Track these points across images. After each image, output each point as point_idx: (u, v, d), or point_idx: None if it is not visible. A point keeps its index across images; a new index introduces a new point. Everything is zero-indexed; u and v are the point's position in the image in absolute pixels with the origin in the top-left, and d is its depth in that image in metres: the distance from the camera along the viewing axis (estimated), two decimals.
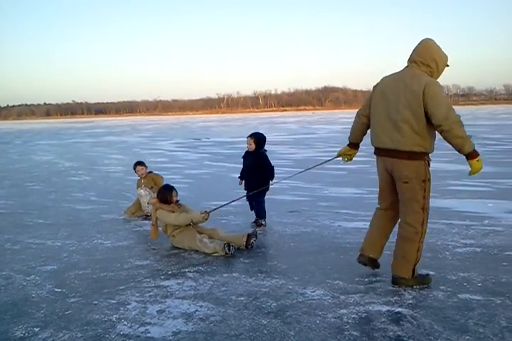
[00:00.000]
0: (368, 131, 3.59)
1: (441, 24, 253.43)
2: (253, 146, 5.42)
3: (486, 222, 5.29)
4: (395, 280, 3.43)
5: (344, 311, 3.02)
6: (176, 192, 4.85)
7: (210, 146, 19.60)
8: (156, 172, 6.58)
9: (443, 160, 11.69)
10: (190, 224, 4.60)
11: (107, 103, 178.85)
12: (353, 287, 3.43)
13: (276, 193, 7.52)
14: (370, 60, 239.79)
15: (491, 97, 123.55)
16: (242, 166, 5.61)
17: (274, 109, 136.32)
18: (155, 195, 6.01)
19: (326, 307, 3.09)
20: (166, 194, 4.79)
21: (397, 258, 3.43)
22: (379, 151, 3.42)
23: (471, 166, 3.25)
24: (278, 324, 2.86)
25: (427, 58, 3.25)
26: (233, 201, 4.99)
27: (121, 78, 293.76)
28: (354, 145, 3.82)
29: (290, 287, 3.47)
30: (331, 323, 2.85)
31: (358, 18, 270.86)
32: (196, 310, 3.10)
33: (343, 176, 9.70)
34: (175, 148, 19.71)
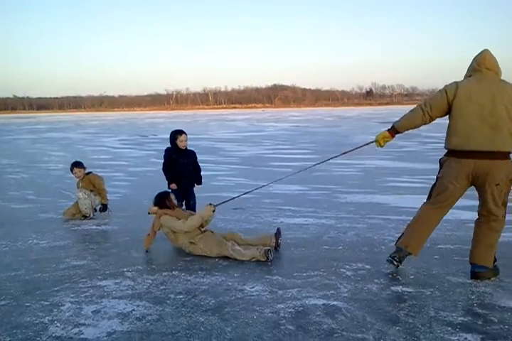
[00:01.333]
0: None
1: (383, 24, 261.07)
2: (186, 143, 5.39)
3: None
4: (477, 273, 3.50)
5: (281, 306, 3.06)
6: (174, 196, 4.61)
7: (157, 143, 19.29)
8: (96, 172, 6.38)
9: (385, 157, 12.11)
10: (202, 227, 4.32)
11: (50, 98, 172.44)
12: (291, 282, 3.48)
13: (221, 190, 7.54)
14: (317, 59, 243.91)
15: None
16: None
17: (224, 106, 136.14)
18: (96, 197, 5.86)
19: (263, 302, 3.12)
20: (163, 199, 4.49)
21: (483, 248, 3.53)
22: (472, 154, 3.43)
23: None
24: (215, 321, 2.86)
25: (497, 67, 3.52)
26: (243, 194, 4.83)
27: (65, 72, 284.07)
28: (396, 132, 3.80)
29: (230, 283, 3.48)
30: (268, 318, 2.88)
31: (304, 17, 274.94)
32: (133, 310, 3.05)
33: (287, 173, 9.80)
34: (120, 145, 19.32)
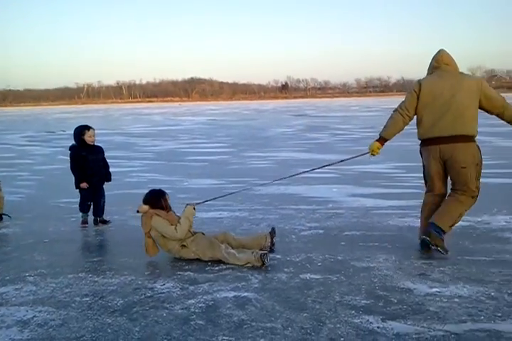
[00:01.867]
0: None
1: (297, 18, 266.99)
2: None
3: (330, 205, 5.73)
4: (431, 232, 3.76)
5: (192, 301, 3.04)
6: (168, 196, 4.18)
7: (66, 140, 18.36)
8: None
9: (297, 149, 12.44)
10: (190, 228, 3.99)
11: None
12: (203, 276, 3.48)
13: (133, 187, 7.34)
14: (234, 53, 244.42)
15: (344, 90, 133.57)
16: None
17: (139, 99, 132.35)
18: None
19: (174, 299, 3.09)
20: (159, 199, 4.05)
21: (444, 210, 3.86)
22: (436, 140, 3.82)
23: None
24: (123, 321, 2.78)
25: (454, 62, 3.96)
26: (224, 196, 4.68)
27: None
28: (385, 141, 4.10)
29: (139, 282, 3.40)
30: (178, 315, 2.85)
31: (220, 9, 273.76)
32: (34, 316, 2.89)
33: (204, 167, 9.78)
34: (25, 142, 18.19)
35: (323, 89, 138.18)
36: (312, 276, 3.43)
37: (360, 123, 22.19)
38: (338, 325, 2.66)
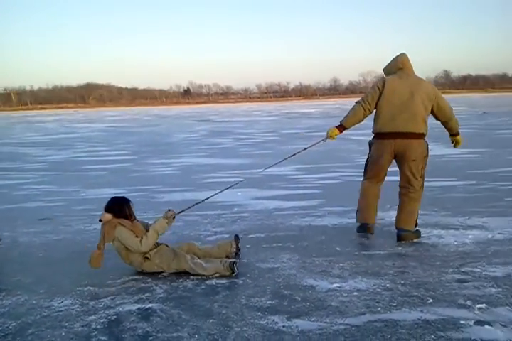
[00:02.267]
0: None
1: (191, 25, 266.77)
2: None
3: (235, 209, 5.77)
4: (402, 235, 4.25)
5: (93, 317, 2.89)
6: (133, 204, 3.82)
7: None
8: None
9: (199, 155, 12.41)
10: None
11: None
12: (105, 290, 3.32)
13: (24, 200, 6.86)
14: (134, 57, 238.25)
15: (246, 96, 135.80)
16: None
17: (30, 107, 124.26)
18: None
19: (73, 317, 2.91)
20: (123, 206, 3.72)
21: (405, 214, 4.29)
22: (391, 135, 4.19)
23: (459, 140, 4.58)
24: None
25: (412, 66, 4.31)
26: (198, 203, 4.33)
27: None
28: (344, 129, 4.41)
29: (34, 302, 3.16)
30: (78, 333, 2.69)
31: (121, 13, 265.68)
32: None
33: (102, 177, 9.39)
34: None
35: (225, 95, 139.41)
36: (218, 281, 3.42)
37: (262, 128, 22.68)
38: (245, 328, 2.67)
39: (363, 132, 17.46)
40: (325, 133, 4.48)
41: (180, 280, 3.47)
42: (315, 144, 4.78)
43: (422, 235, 4.38)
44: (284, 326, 2.68)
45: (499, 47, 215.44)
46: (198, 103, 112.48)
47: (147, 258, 3.64)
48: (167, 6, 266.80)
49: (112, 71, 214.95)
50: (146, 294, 3.22)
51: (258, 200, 6.30)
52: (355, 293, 3.10)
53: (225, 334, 2.61)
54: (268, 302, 3.02)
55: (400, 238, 4.28)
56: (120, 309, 2.99)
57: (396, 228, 4.35)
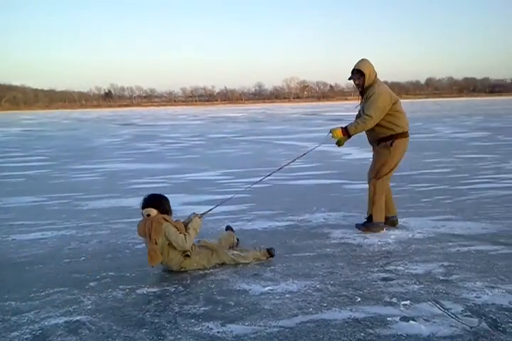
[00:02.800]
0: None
1: (110, 28, 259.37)
2: None
3: None
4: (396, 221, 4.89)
5: (16, 334, 2.72)
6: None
7: None
8: None
9: (124, 160, 12.08)
10: None
11: None
12: (27, 304, 3.13)
13: None
14: (50, 57, 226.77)
15: (170, 99, 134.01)
16: None
17: None
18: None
19: None
20: (166, 202, 3.82)
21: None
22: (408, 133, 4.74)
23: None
24: None
25: None
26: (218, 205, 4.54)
27: None
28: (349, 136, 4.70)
29: None
30: None
31: (38, 12, 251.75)
32: None
33: (20, 184, 8.85)
34: None
35: (149, 98, 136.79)
36: (150, 290, 3.34)
37: (188, 132, 22.48)
38: (179, 336, 2.63)
39: (288, 137, 17.80)
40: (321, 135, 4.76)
41: (109, 290, 3.36)
42: (313, 149, 5.28)
43: (347, 236, 4.55)
44: (218, 332, 2.67)
45: (410, 57, 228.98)
46: (120, 106, 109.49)
47: (188, 255, 3.68)
48: (86, 5, 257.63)
49: (28, 72, 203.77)
50: (73, 306, 3.08)
51: (186, 206, 6.22)
52: (287, 295, 3.16)
53: None
54: (201, 308, 3.00)
55: (395, 222, 4.89)
56: (46, 323, 2.84)
57: (392, 216, 4.87)
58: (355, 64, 4.60)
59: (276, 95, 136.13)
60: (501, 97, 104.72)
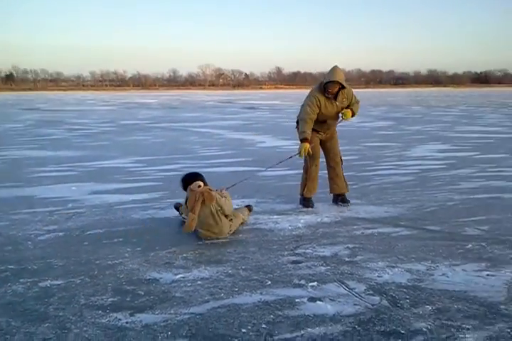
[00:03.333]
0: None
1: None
2: None
3: (70, 205, 5.39)
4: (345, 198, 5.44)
5: None
6: None
7: None
8: None
9: (28, 147, 11.34)
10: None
11: None
12: None
13: None
14: None
15: (79, 83, 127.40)
16: None
17: None
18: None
19: None
20: (202, 177, 4.39)
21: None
22: None
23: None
24: None
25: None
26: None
27: None
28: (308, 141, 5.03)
29: None
30: None
31: None
32: None
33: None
34: None
35: (55, 82, 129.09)
36: (53, 282, 3.18)
37: (98, 118, 21.53)
38: (85, 328, 2.54)
39: (203, 124, 17.67)
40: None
41: (9, 284, 3.15)
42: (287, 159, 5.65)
43: (260, 222, 4.63)
44: (127, 322, 2.61)
45: (322, 50, 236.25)
46: (23, 90, 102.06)
47: (231, 220, 4.27)
48: None
49: None
50: None
51: (96, 195, 5.98)
52: (199, 282, 3.15)
53: (63, 337, 2.46)
54: (110, 299, 2.91)
55: (344, 199, 5.40)
56: None
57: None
58: (332, 74, 4.89)
59: (191, 82, 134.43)
60: (405, 89, 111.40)
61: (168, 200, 5.53)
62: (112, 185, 6.59)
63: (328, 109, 5.07)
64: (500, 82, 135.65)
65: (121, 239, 4.13)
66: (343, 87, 5.00)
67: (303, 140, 4.98)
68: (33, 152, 10.25)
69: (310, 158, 5.25)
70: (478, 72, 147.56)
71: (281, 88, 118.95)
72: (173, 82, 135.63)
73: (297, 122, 5.21)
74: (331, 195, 5.51)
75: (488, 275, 3.30)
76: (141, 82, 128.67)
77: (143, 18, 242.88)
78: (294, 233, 4.29)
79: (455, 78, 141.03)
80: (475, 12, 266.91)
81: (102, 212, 5.09)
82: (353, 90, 5.23)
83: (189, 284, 3.12)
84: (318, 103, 4.99)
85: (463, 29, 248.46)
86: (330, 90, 4.96)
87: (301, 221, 4.68)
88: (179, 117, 21.87)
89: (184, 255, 3.70)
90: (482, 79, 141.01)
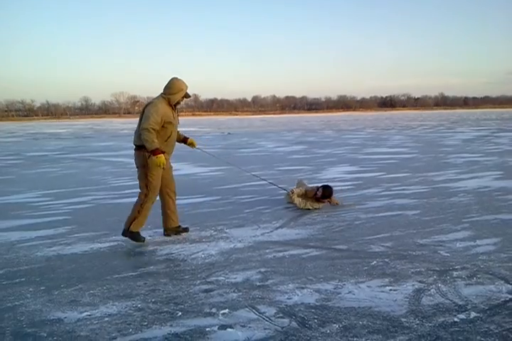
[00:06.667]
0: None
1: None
2: None
3: None
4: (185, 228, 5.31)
5: None
6: None
7: None
8: None
9: None
10: None
11: None
12: None
13: None
14: None
15: None
16: None
17: None
18: None
19: None
20: None
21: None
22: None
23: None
24: None
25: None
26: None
27: None
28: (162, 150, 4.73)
29: None
30: None
31: None
32: None
33: None
34: None
35: None
36: None
37: (1, 150, 20.30)
38: None
39: (116, 153, 17.25)
40: None
41: None
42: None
43: (173, 252, 4.57)
44: None
45: (238, 77, 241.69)
46: None
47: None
48: None
49: None
50: None
51: None
52: (106, 319, 3.04)
53: None
54: None
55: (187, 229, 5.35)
56: None
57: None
58: (185, 84, 4.92)
59: (106, 110, 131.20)
60: (318, 114, 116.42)
61: (75, 235, 5.30)
62: (16, 221, 6.20)
63: (174, 121, 4.93)
64: (404, 106, 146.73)
65: (23, 279, 3.89)
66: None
67: (155, 151, 4.64)
68: None
69: (153, 189, 4.89)
70: (384, 96, 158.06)
71: (199, 115, 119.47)
72: (86, 110, 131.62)
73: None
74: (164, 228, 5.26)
75: (391, 290, 3.48)
76: (50, 112, 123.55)
77: (47, 46, 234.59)
78: (206, 261, 4.28)
79: (363, 103, 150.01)
80: (381, 42, 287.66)
81: (3, 251, 4.76)
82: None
83: (95, 322, 3.00)
84: (162, 115, 4.76)
85: (370, 56, 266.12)
86: (180, 101, 4.98)
87: (215, 248, 4.68)
88: (91, 147, 21.20)
89: (91, 291, 3.56)
90: (388, 103, 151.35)
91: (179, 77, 4.97)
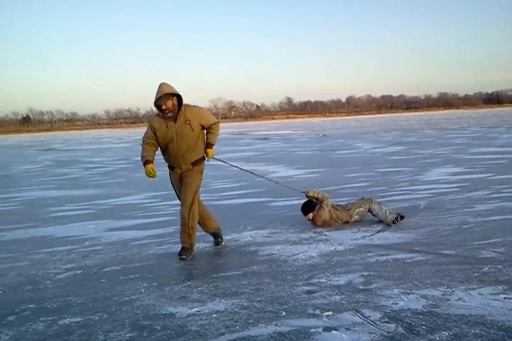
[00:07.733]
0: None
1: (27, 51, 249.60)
2: None
3: (87, 243, 5.49)
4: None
5: None
6: None
7: None
8: None
9: (44, 187, 11.57)
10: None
11: None
12: None
13: None
14: None
15: (94, 122, 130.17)
16: None
17: None
18: None
19: None
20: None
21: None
22: None
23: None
24: None
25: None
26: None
27: None
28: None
29: None
30: None
31: None
32: None
33: None
34: None
35: (70, 121, 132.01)
36: (72, 320, 3.23)
37: (113, 155, 21.94)
38: None
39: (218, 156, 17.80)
40: None
41: (29, 323, 3.21)
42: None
43: (274, 252, 4.65)
44: None
45: (331, 77, 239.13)
46: (40, 131, 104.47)
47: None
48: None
49: None
50: None
51: (112, 232, 6.08)
52: (214, 315, 3.17)
53: None
54: (127, 335, 2.95)
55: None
56: None
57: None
58: (158, 90, 4.49)
59: None
60: (417, 113, 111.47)
61: None
62: (128, 221, 6.69)
63: (169, 132, 4.61)
64: None
65: (137, 275, 4.19)
66: (180, 102, 4.57)
67: (145, 162, 4.73)
68: (49, 192, 10.47)
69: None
70: (490, 92, 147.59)
71: (293, 117, 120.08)
72: None
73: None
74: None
75: (505, 298, 3.27)
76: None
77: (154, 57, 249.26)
78: (307, 262, 4.30)
79: (466, 99, 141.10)
80: (484, 35, 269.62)
81: (118, 248, 5.17)
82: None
83: (204, 317, 3.15)
84: (153, 129, 4.64)
85: (475, 48, 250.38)
86: (163, 108, 4.50)
87: (315, 250, 4.69)
88: None
89: (199, 288, 3.74)
90: (494, 99, 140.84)
91: (163, 82, 4.56)
